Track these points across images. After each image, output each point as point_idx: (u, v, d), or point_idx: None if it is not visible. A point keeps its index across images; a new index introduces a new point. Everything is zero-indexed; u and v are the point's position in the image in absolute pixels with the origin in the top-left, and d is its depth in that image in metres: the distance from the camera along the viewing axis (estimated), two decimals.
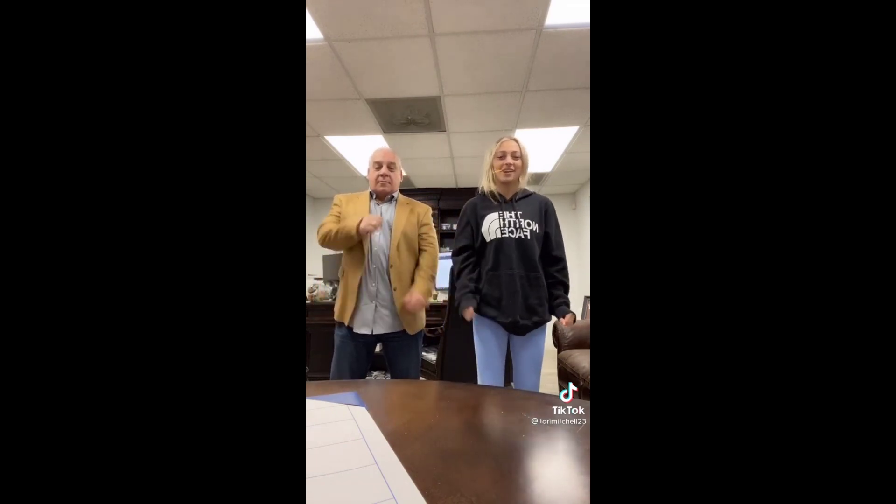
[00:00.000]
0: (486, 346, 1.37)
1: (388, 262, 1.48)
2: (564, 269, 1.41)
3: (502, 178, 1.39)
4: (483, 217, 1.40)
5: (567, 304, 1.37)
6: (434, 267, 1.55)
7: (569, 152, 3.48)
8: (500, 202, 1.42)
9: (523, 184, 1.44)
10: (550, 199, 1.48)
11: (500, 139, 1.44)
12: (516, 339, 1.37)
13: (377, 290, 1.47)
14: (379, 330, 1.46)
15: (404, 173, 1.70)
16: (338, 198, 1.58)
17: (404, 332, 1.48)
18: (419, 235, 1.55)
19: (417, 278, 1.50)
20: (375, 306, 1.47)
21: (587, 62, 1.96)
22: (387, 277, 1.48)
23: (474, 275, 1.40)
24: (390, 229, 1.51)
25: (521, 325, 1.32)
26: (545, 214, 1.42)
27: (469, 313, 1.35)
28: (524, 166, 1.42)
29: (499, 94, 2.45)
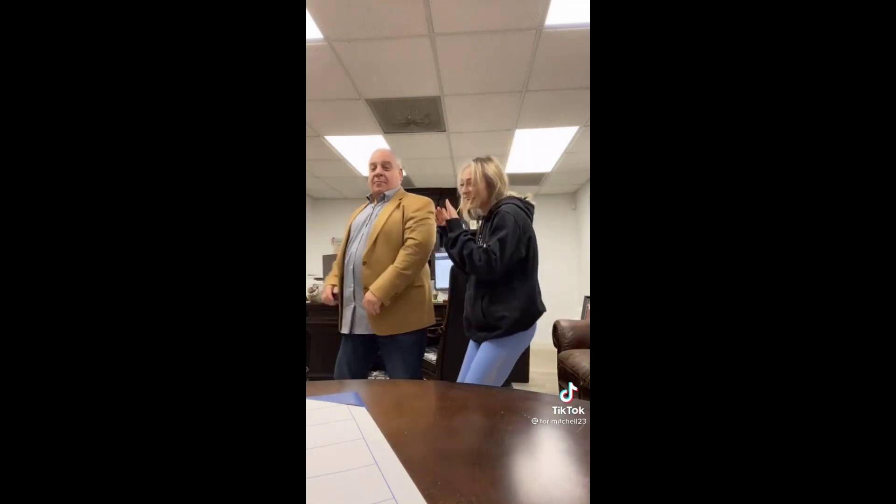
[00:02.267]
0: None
1: (362, 261, 1.44)
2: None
3: (465, 206, 1.45)
4: None
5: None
6: (406, 262, 1.41)
7: (569, 152, 3.48)
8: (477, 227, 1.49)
9: (495, 199, 1.41)
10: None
11: (463, 168, 1.46)
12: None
13: (353, 292, 1.46)
14: (358, 331, 1.46)
15: (404, 172, 1.67)
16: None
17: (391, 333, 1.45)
18: (405, 230, 1.48)
19: (383, 273, 1.41)
20: (354, 308, 1.47)
21: (587, 62, 1.96)
22: (361, 278, 1.44)
23: None
24: (371, 228, 1.48)
25: (474, 338, 1.41)
26: (493, 225, 1.32)
27: None
28: (478, 191, 1.40)
29: (499, 94, 2.45)
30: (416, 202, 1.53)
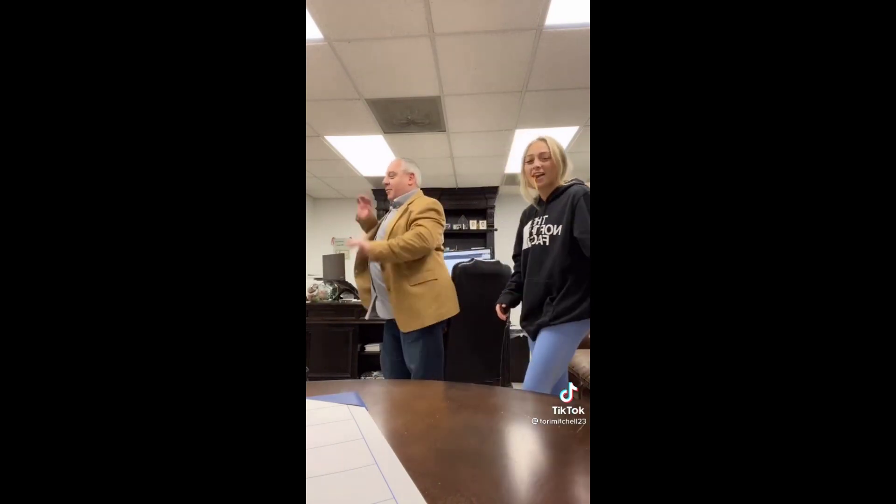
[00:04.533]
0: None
1: (380, 264, 1.56)
2: (568, 273, 1.24)
3: (535, 183, 1.32)
4: (524, 225, 1.41)
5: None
6: (403, 245, 1.46)
7: (569, 152, 3.45)
8: (537, 208, 1.38)
9: (562, 180, 1.32)
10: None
11: (529, 143, 1.36)
12: None
13: (372, 285, 1.62)
14: (370, 316, 1.63)
15: (418, 176, 1.74)
16: None
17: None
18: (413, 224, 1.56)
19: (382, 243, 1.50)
20: (375, 298, 1.63)
21: (587, 62, 1.95)
22: (380, 276, 1.57)
23: (514, 278, 1.45)
24: (383, 232, 1.59)
25: (529, 331, 1.32)
26: (572, 213, 1.23)
27: (498, 310, 1.40)
28: (555, 165, 1.30)
29: (499, 94, 2.45)
30: (420, 204, 1.61)
